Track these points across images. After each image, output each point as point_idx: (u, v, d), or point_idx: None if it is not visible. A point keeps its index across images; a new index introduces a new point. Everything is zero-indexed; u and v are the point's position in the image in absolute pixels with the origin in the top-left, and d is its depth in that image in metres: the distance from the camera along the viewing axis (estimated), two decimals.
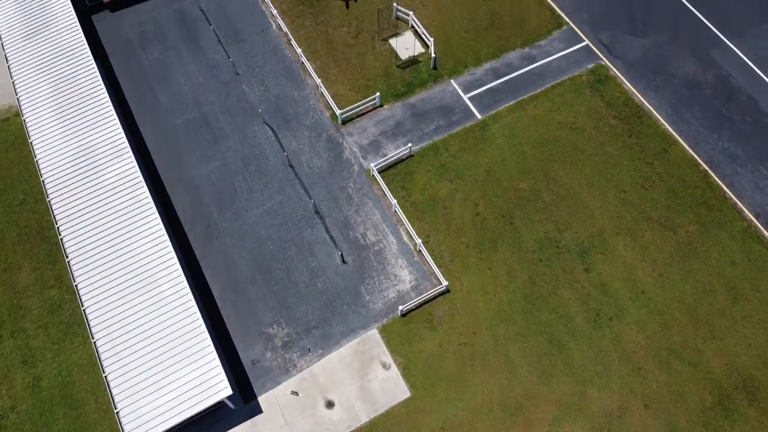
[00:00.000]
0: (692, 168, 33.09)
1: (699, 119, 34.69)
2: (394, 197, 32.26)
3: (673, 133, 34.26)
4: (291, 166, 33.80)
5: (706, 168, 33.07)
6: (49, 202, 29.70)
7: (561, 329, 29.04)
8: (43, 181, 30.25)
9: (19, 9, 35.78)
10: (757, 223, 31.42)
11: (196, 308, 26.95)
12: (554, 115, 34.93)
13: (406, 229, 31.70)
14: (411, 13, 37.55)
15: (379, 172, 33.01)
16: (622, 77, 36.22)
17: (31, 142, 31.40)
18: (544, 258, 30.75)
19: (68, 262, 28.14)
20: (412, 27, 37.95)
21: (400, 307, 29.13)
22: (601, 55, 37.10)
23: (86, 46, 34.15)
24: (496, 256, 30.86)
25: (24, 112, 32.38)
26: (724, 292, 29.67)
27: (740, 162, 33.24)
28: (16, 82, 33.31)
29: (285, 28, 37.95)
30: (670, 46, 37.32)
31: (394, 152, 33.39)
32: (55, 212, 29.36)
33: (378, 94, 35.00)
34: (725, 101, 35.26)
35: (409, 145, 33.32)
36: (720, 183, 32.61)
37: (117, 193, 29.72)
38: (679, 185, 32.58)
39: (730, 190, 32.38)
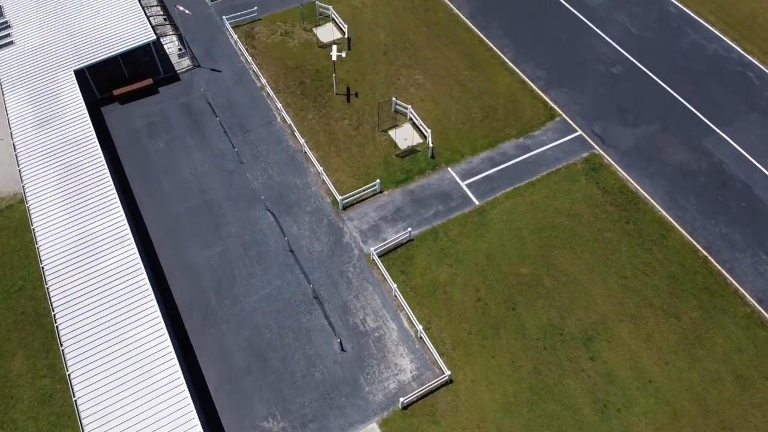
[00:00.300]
0: (691, 254, 33.18)
1: (695, 206, 35.17)
2: (395, 282, 32.11)
3: (671, 219, 34.63)
4: (291, 251, 33.89)
5: (706, 254, 33.16)
6: (48, 288, 29.49)
7: (568, 422, 28.03)
8: (43, 268, 30.19)
9: (30, 99, 37.12)
10: (761, 309, 31.10)
11: (190, 402, 26.07)
12: (551, 201, 35.43)
13: (407, 314, 31.32)
14: (409, 106, 38.98)
15: (379, 257, 33.05)
16: (616, 165, 37.07)
17: (33, 229, 31.62)
18: (549, 346, 30.18)
19: (62, 350, 27.55)
20: (411, 119, 39.28)
21: (401, 399, 28.23)
22: (594, 145, 38.14)
23: (94, 136, 35.13)
24: (500, 344, 30.29)
25: (28, 199, 32.84)
26: (732, 381, 28.90)
27: (739, 248, 33.38)
28: (22, 170, 34.01)
29: (289, 120, 39.24)
30: (662, 136, 38.46)
31: (394, 236, 33.59)
32: (53, 299, 29.09)
33: (378, 181, 35.69)
34: (720, 188, 35.90)
35: (409, 229, 33.60)
36: (720, 269, 32.58)
37: (116, 280, 29.55)
38: (679, 271, 32.53)
39: (730, 276, 32.30)
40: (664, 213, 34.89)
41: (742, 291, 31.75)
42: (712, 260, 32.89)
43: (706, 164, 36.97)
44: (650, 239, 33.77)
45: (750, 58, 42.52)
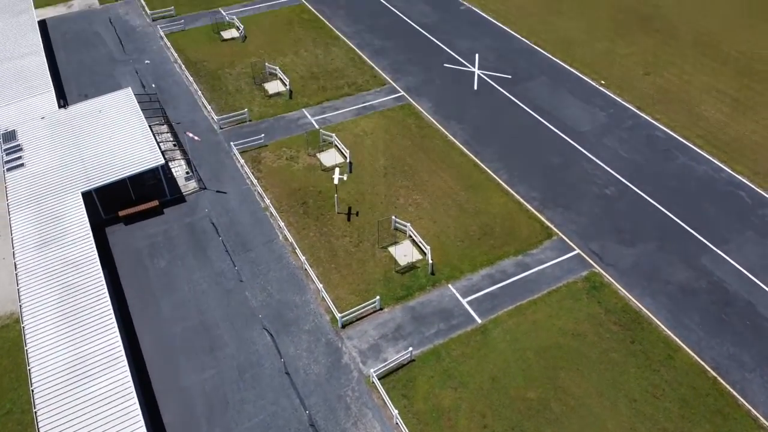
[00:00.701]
0: (700, 375, 32.19)
1: (699, 324, 34.65)
2: (396, 407, 30.83)
3: (676, 339, 33.97)
4: (287, 373, 32.87)
5: (715, 375, 32.18)
6: (36, 412, 28.30)
7: None
8: (33, 391, 29.16)
9: (36, 220, 37.70)
10: None
11: None
12: (555, 320, 34.96)
13: None
14: (408, 224, 39.69)
15: (379, 379, 32.00)
16: (616, 284, 36.99)
17: (26, 350, 30.93)
18: None
19: None
20: (410, 237, 39.81)
21: None
22: (593, 263, 38.31)
23: (96, 257, 35.29)
24: None
25: (24, 319, 32.42)
26: None
27: (748, 368, 32.46)
28: (21, 290, 33.87)
29: (291, 239, 39.74)
30: (660, 255, 38.73)
31: (395, 357, 32.74)
32: (40, 424, 27.79)
33: (378, 297, 35.46)
34: (723, 306, 35.57)
35: (410, 349, 32.83)
36: (731, 390, 31.47)
37: (106, 406, 28.39)
38: (690, 393, 31.39)
39: (742, 397, 31.12)
40: (669, 332, 34.30)
41: (755, 413, 30.46)
42: (722, 381, 31.86)
43: (707, 282, 36.90)
44: (657, 360, 32.92)
45: (740, 178, 43.91)
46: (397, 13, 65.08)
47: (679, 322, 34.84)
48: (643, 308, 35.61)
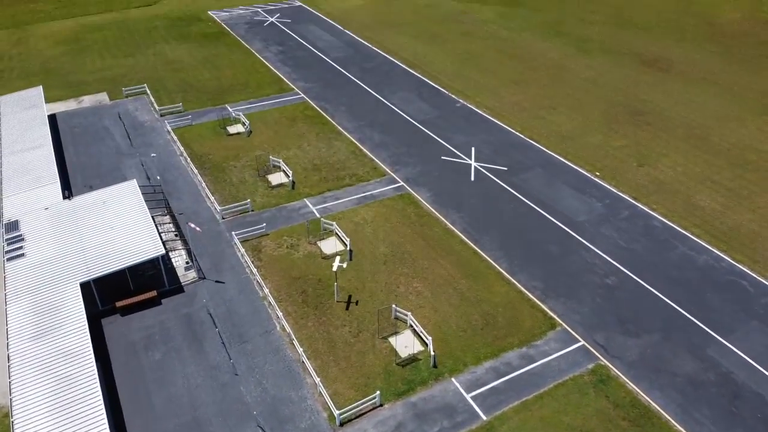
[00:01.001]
0: None
1: (710, 418, 33.42)
2: None
3: None
4: None
5: None
6: None
7: None
8: None
9: (32, 311, 37.18)
10: None
11: None
12: (562, 416, 33.71)
13: None
14: (409, 313, 39.19)
15: None
16: (623, 377, 36.00)
17: None
18: None
19: None
20: (411, 326, 39.19)
21: None
22: (599, 355, 37.47)
23: (91, 351, 34.44)
24: None
25: (14, 413, 31.26)
26: None
27: None
28: (12, 383, 32.91)
29: (289, 329, 39.09)
30: (666, 345, 37.99)
31: None
32: None
33: (378, 392, 34.36)
34: (732, 399, 34.47)
35: None
36: None
37: None
38: None
39: None
40: (680, 428, 32.99)
41: None
42: None
43: (715, 374, 35.95)
44: None
45: (741, 267, 43.88)
46: (396, 110, 67.63)
47: (690, 416, 33.62)
48: (652, 402, 34.47)
